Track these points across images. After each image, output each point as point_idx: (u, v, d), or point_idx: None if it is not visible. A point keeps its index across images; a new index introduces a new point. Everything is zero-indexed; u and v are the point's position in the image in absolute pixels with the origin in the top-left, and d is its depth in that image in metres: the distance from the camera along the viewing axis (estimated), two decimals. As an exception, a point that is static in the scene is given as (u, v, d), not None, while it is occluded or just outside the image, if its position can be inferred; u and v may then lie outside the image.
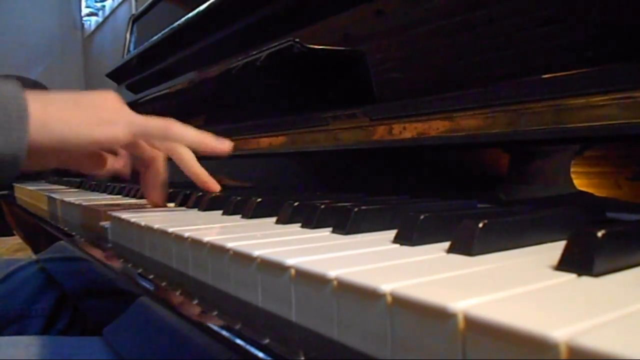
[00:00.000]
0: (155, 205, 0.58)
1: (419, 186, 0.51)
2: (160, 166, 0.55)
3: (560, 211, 0.32)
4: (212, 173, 0.57)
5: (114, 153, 0.56)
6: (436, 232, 0.29)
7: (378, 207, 0.36)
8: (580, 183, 0.37)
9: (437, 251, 0.27)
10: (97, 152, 0.54)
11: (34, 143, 0.40)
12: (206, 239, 0.33)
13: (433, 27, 0.49)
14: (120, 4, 3.08)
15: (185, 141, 0.51)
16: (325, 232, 0.35)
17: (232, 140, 0.53)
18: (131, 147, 0.53)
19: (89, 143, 0.44)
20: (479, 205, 0.42)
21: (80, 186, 1.14)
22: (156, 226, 0.40)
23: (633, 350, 0.13)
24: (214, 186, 0.56)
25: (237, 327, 0.24)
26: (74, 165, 0.54)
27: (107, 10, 3.39)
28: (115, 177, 0.60)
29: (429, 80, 0.50)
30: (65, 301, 0.83)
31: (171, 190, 0.63)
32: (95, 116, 0.45)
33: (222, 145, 0.53)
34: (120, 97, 0.49)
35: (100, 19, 3.58)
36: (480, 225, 0.26)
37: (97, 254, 0.48)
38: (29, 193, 1.13)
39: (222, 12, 0.84)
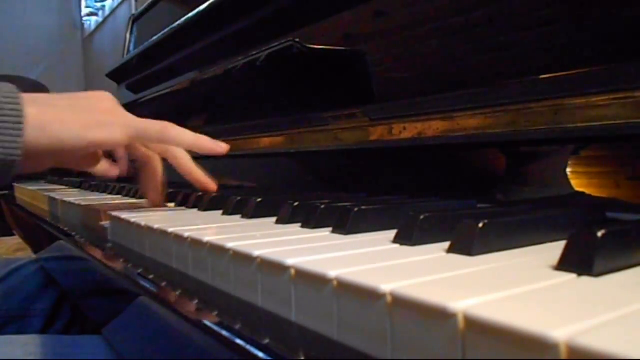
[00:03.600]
0: (155, 206, 0.58)
1: (419, 186, 0.51)
2: (158, 166, 0.55)
3: (560, 211, 0.32)
4: (212, 173, 0.57)
5: (112, 155, 0.56)
6: (436, 232, 0.29)
7: (378, 207, 0.36)
8: (580, 183, 0.37)
9: (437, 251, 0.27)
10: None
11: (31, 146, 0.40)
12: (206, 239, 0.33)
13: (433, 27, 0.49)
14: (120, 4, 3.08)
15: (182, 144, 0.51)
16: (325, 232, 0.35)
17: (232, 140, 0.53)
18: (127, 148, 0.53)
19: (87, 145, 0.44)
20: (479, 205, 0.42)
21: (80, 186, 1.14)
22: (156, 226, 0.40)
23: (633, 350, 0.13)
24: (211, 186, 0.56)
25: (237, 327, 0.24)
26: (69, 164, 0.54)
27: (107, 10, 3.39)
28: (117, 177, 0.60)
29: (429, 80, 0.50)
30: (65, 301, 0.83)
31: (171, 190, 0.63)
32: (92, 118, 0.44)
33: (219, 147, 0.53)
34: (115, 99, 0.49)
35: (100, 19, 3.58)
36: (480, 225, 0.26)
37: (97, 253, 0.48)
38: (29, 193, 1.13)
39: (222, 12, 0.84)
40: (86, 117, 0.44)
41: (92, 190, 1.01)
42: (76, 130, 0.43)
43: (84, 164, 0.54)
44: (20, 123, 0.39)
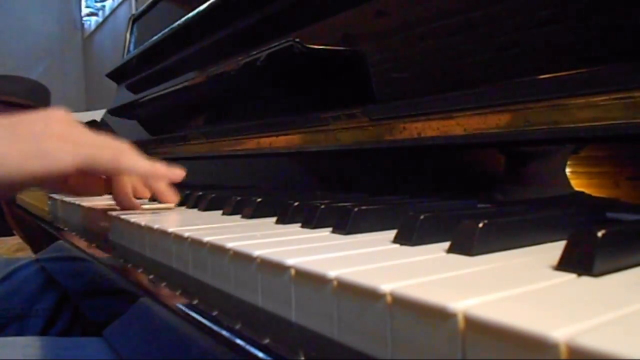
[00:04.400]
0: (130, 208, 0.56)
1: (419, 186, 0.51)
2: (123, 179, 0.53)
3: (560, 211, 0.32)
4: (212, 173, 0.57)
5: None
6: (436, 232, 0.29)
7: (378, 207, 0.36)
8: (580, 183, 0.37)
9: (437, 251, 0.27)
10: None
11: None
12: (206, 239, 0.33)
13: (433, 27, 0.49)
14: (120, 4, 3.08)
15: (136, 173, 0.49)
16: (325, 232, 0.35)
17: (232, 140, 0.53)
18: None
19: (24, 179, 0.40)
20: (479, 205, 0.42)
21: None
22: (156, 226, 0.40)
23: (633, 350, 0.13)
24: (171, 197, 0.55)
25: (237, 327, 0.24)
26: (52, 189, 0.52)
27: (107, 10, 3.39)
28: None
29: (429, 80, 0.50)
30: (66, 301, 0.83)
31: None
32: (34, 147, 0.40)
33: (174, 174, 0.51)
34: (71, 118, 0.45)
35: (100, 19, 3.58)
36: (480, 225, 0.26)
37: (97, 253, 0.48)
38: (29, 193, 1.13)
39: (222, 12, 0.84)
40: (26, 146, 0.40)
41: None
42: (11, 164, 0.39)
43: (68, 188, 0.52)
44: None
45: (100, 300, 0.81)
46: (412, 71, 0.52)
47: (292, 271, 0.25)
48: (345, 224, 0.34)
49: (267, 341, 0.22)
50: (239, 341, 0.23)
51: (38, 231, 1.38)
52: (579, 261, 0.21)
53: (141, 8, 1.44)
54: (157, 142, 1.08)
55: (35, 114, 0.43)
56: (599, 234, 0.21)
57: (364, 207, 0.35)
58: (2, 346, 0.56)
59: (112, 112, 1.39)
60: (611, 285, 0.20)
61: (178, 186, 0.66)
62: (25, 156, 0.40)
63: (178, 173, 0.52)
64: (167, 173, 0.51)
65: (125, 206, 0.54)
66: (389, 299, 0.19)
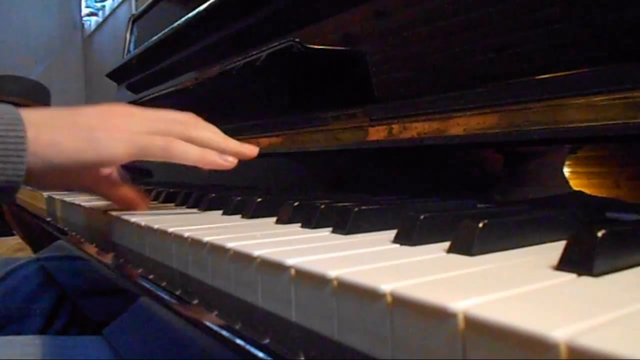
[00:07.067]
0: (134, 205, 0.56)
1: (419, 186, 0.51)
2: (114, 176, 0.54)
3: (560, 211, 0.32)
4: (212, 173, 0.57)
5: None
6: (436, 232, 0.29)
7: (378, 207, 0.36)
8: (580, 183, 0.37)
9: (437, 251, 0.27)
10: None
11: (27, 170, 0.40)
12: (206, 239, 0.33)
13: (433, 27, 0.49)
14: (120, 4, 3.08)
15: (187, 161, 0.48)
16: (325, 232, 0.35)
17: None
18: None
19: (80, 166, 0.43)
20: (479, 205, 0.42)
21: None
22: (156, 226, 0.40)
23: (633, 350, 0.13)
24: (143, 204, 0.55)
25: (237, 327, 0.24)
26: (82, 187, 0.53)
27: (107, 10, 3.39)
28: None
29: (429, 80, 0.50)
30: (65, 300, 0.83)
31: (172, 190, 0.63)
32: (90, 137, 0.43)
33: (226, 161, 0.50)
34: (129, 110, 0.47)
35: (100, 19, 3.58)
36: (480, 225, 0.26)
37: (97, 253, 0.48)
38: (29, 193, 1.13)
39: (222, 12, 0.84)
40: (83, 136, 0.43)
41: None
42: (69, 151, 0.42)
43: (98, 188, 0.53)
44: (23, 150, 0.39)
45: (99, 300, 0.81)
46: (412, 71, 0.52)
47: (292, 271, 0.25)
48: (345, 224, 0.34)
49: (267, 341, 0.22)
50: (239, 341, 0.23)
51: (38, 231, 1.38)
52: (579, 261, 0.21)
53: (141, 8, 1.44)
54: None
55: (96, 107, 0.46)
56: (599, 234, 0.21)
57: (364, 207, 0.35)
58: (2, 345, 0.56)
59: (112, 112, 1.38)
60: (611, 285, 0.20)
61: (178, 186, 0.66)
62: (82, 146, 0.43)
63: (230, 160, 0.49)
64: (219, 161, 0.49)
65: (135, 205, 0.55)
66: (389, 299, 0.19)
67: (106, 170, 0.52)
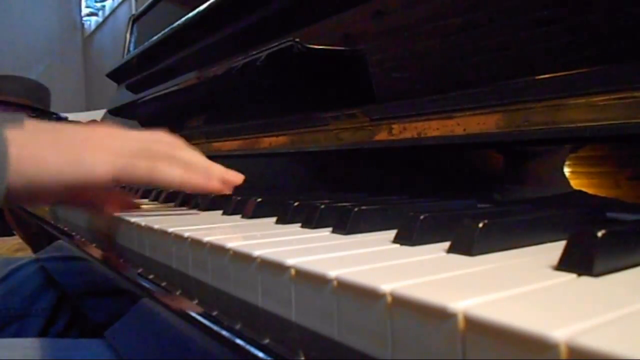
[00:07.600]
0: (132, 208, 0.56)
1: (419, 186, 0.51)
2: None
3: (560, 211, 0.32)
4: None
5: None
6: (436, 232, 0.29)
7: (378, 207, 0.36)
8: (581, 183, 0.37)
9: (437, 251, 0.27)
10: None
11: (9, 188, 0.38)
12: (206, 239, 0.33)
13: (433, 27, 0.49)
14: (120, 4, 3.08)
15: (172, 184, 0.47)
16: (325, 232, 0.35)
17: (232, 140, 0.52)
18: None
19: (59, 185, 0.41)
20: (479, 205, 0.42)
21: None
22: (156, 226, 0.40)
23: (633, 350, 0.13)
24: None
25: (237, 327, 0.24)
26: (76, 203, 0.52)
27: (107, 10, 3.40)
28: None
29: (429, 80, 0.50)
30: (65, 300, 0.83)
31: (172, 190, 0.63)
32: (73, 156, 0.42)
33: (211, 184, 0.48)
34: (114, 130, 0.46)
35: (100, 19, 3.58)
36: (480, 225, 0.26)
37: (97, 253, 0.48)
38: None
39: (222, 12, 0.84)
40: (66, 154, 0.41)
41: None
42: (49, 170, 0.40)
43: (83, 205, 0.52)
44: (4, 168, 0.38)
45: (99, 300, 0.81)
46: (412, 71, 0.52)
47: (292, 271, 0.25)
48: (345, 224, 0.34)
49: (267, 341, 0.22)
50: (239, 341, 0.23)
51: (38, 231, 1.38)
52: (579, 261, 0.21)
53: (141, 8, 1.44)
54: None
55: (80, 127, 0.44)
56: (599, 234, 0.21)
57: (364, 207, 0.35)
58: (2, 348, 0.56)
59: (112, 112, 1.39)
60: (611, 285, 0.20)
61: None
62: (64, 164, 0.41)
63: (214, 183, 0.48)
64: (203, 184, 0.47)
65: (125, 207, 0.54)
66: (389, 299, 0.19)
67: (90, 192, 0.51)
